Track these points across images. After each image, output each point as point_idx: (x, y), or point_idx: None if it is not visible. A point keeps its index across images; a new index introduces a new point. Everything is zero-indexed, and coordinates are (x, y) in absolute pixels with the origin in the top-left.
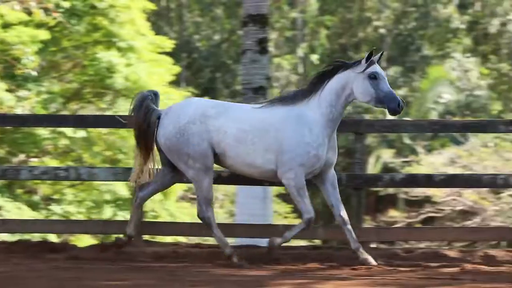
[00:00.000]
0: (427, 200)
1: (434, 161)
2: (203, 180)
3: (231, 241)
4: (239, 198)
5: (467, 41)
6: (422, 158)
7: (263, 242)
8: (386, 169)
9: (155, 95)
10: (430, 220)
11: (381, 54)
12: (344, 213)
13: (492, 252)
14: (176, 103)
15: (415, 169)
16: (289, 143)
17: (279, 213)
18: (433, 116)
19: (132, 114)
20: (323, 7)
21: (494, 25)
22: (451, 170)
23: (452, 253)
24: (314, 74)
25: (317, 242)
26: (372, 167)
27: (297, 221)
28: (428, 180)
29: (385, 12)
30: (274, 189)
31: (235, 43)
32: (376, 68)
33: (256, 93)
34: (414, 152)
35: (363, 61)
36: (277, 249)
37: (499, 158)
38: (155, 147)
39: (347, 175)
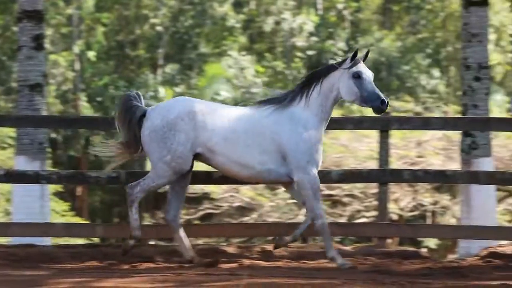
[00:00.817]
0: (206, 197)
1: None
2: (163, 179)
3: (8, 240)
4: (15, 197)
5: (243, 39)
6: None
7: (40, 240)
8: None
9: (138, 95)
10: (209, 216)
11: (367, 53)
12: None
13: (269, 247)
14: (165, 101)
15: (195, 166)
16: (289, 144)
17: (56, 212)
18: None
19: (117, 112)
20: (99, 3)
21: (268, 24)
22: None
23: (230, 249)
24: (303, 76)
25: (96, 240)
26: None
27: (75, 219)
28: (208, 177)
29: (162, 9)
30: (51, 187)
31: (10, 39)
32: (360, 67)
33: (33, 90)
34: None
35: (348, 60)
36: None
37: None
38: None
39: (126, 172)
